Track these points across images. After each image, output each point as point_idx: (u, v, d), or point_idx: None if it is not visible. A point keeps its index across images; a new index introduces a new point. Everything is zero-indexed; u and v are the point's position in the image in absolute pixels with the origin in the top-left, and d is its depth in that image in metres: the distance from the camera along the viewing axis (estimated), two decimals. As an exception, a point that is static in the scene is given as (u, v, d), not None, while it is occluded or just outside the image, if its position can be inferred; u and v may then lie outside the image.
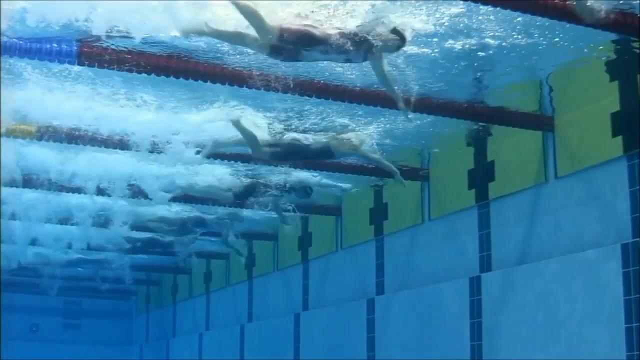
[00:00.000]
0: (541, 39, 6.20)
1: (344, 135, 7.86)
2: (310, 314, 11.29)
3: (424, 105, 7.08)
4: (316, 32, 5.79)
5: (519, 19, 5.89)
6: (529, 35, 6.15)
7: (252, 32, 5.76)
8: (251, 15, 5.63)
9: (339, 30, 5.83)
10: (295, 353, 11.39)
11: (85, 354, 17.95)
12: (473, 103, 7.26)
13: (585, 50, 6.39)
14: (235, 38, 5.90)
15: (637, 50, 6.33)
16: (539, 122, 7.34)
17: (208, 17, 5.73)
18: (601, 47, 6.40)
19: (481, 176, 8.19)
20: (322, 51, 5.87)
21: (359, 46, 5.86)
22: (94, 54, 6.15)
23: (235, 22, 5.78)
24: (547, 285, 7.07)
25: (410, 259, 9.28)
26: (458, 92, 7.10)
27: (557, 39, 6.21)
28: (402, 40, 5.93)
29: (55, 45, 6.04)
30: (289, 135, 7.94)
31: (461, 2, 5.55)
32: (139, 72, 6.34)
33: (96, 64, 6.21)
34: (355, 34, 5.84)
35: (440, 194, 8.88)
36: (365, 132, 8.01)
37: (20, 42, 5.94)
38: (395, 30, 5.88)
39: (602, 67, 6.65)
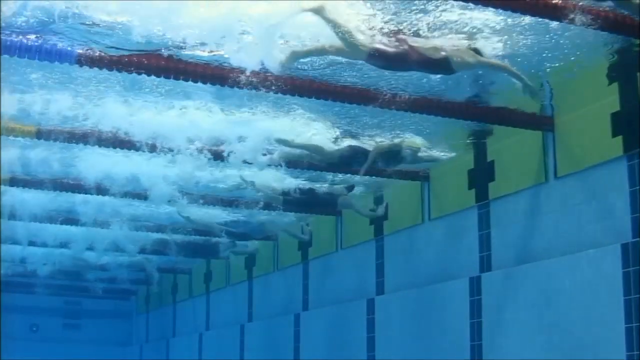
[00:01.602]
0: (542, 39, 6.19)
1: (413, 140, 8.04)
2: (310, 314, 11.29)
3: (425, 105, 7.09)
4: (408, 56, 5.96)
5: (519, 19, 5.89)
6: (530, 35, 6.14)
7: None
8: (343, 34, 5.77)
9: (430, 54, 6.01)
10: (295, 353, 11.39)
11: (85, 354, 17.93)
12: (473, 103, 7.26)
13: (586, 50, 6.38)
14: (338, 51, 5.99)
15: (637, 51, 6.32)
16: (539, 122, 7.34)
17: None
18: (601, 48, 6.39)
19: (481, 176, 8.19)
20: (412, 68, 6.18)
21: (445, 66, 6.09)
22: (93, 54, 6.14)
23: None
24: (547, 285, 7.07)
25: (410, 259, 9.28)
26: (458, 92, 7.09)
27: (557, 39, 6.21)
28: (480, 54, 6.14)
29: (55, 45, 6.03)
30: (349, 143, 8.13)
31: (462, 2, 5.55)
32: (139, 73, 6.34)
33: (96, 65, 6.20)
34: (441, 59, 6.04)
35: (440, 194, 8.89)
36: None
37: (20, 41, 5.93)
38: (475, 49, 6.10)
39: (602, 67, 6.65)
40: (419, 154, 8.21)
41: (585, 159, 6.94)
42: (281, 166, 8.52)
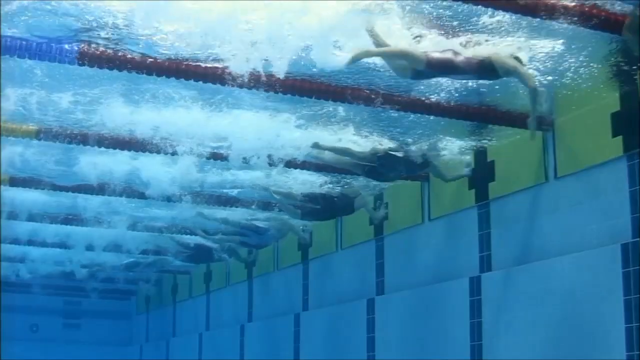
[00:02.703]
0: (541, 39, 6.19)
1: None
2: (310, 314, 11.29)
3: (424, 105, 7.09)
4: (458, 61, 6.08)
5: (519, 20, 5.89)
6: (529, 35, 6.14)
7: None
8: (399, 56, 6.02)
9: (477, 58, 6.12)
10: (295, 353, 11.39)
11: (85, 354, 17.91)
12: (473, 103, 7.26)
13: (586, 50, 6.38)
14: (391, 57, 6.13)
15: (637, 51, 6.32)
16: (539, 122, 7.32)
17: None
18: (601, 48, 6.39)
19: (481, 176, 8.19)
20: (460, 77, 6.36)
21: (490, 72, 6.19)
22: (94, 54, 6.14)
23: None
24: (547, 285, 7.07)
25: (410, 259, 9.28)
26: (458, 92, 7.09)
27: (557, 39, 6.21)
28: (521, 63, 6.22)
29: (56, 44, 6.03)
30: (382, 148, 8.12)
31: (462, 2, 5.55)
32: (139, 73, 6.34)
33: (96, 65, 6.20)
34: (487, 62, 6.13)
35: (440, 194, 8.88)
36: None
37: (21, 41, 5.93)
38: (516, 57, 6.18)
39: (602, 67, 6.65)
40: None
41: (585, 159, 6.94)
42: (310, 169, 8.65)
